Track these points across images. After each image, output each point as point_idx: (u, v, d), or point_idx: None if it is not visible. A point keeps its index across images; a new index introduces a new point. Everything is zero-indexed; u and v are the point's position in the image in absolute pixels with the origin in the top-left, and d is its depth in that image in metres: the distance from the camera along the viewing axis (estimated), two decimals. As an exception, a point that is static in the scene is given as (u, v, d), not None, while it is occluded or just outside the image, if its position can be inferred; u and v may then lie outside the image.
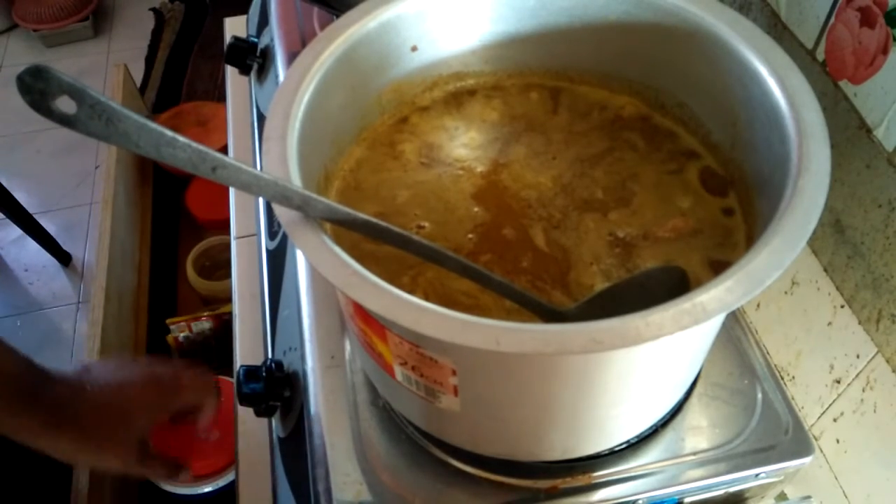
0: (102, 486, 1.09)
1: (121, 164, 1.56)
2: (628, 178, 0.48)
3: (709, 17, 0.44)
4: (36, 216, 1.65)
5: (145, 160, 1.70)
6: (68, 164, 1.91)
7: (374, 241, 0.38)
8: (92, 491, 1.05)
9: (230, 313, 0.80)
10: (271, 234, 0.73)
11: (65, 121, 0.27)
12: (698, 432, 0.49)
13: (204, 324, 1.33)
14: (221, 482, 1.04)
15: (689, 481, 0.47)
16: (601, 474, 0.48)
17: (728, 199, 0.46)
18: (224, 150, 0.55)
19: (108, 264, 1.34)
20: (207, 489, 1.04)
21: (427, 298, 0.43)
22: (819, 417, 0.57)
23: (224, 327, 1.34)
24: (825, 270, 0.53)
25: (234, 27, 1.07)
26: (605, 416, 0.42)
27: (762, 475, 0.48)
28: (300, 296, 0.57)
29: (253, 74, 0.89)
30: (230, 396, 0.64)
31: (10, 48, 2.25)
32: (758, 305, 0.63)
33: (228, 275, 0.92)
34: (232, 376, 0.68)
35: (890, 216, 0.46)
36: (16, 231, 1.68)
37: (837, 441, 0.55)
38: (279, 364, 0.59)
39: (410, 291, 0.43)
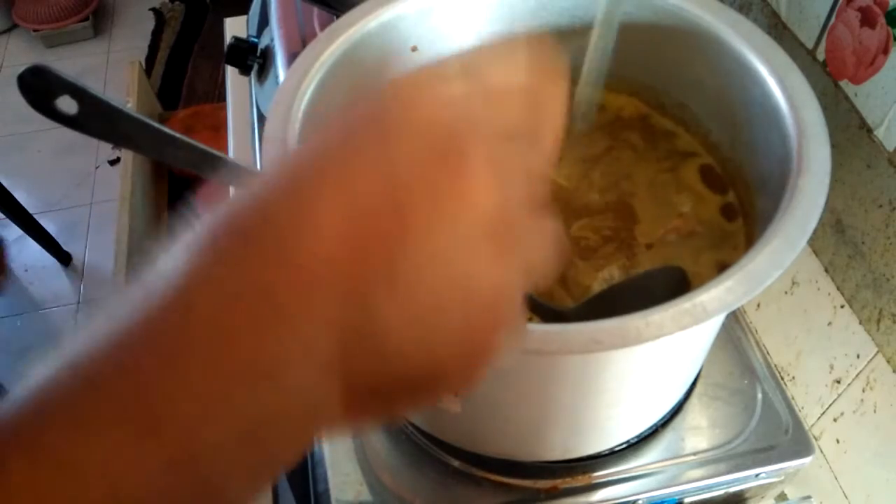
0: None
1: (137, 160, 1.52)
2: (628, 178, 0.48)
3: (709, 18, 0.44)
4: (36, 216, 1.65)
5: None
6: (68, 164, 1.91)
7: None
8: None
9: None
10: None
11: (66, 120, 0.27)
12: (698, 432, 0.49)
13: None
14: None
15: (689, 481, 0.47)
16: (601, 474, 0.48)
17: (728, 199, 0.46)
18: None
19: (126, 260, 1.32)
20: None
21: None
22: (819, 417, 0.57)
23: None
24: (826, 270, 0.53)
25: (234, 27, 1.07)
26: (605, 416, 0.42)
27: (762, 475, 0.48)
28: (300, 296, 0.57)
29: (253, 75, 0.89)
30: None
31: (10, 48, 2.25)
32: (758, 305, 0.63)
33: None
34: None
35: (891, 216, 0.46)
36: (16, 231, 1.68)
37: (837, 441, 0.55)
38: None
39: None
